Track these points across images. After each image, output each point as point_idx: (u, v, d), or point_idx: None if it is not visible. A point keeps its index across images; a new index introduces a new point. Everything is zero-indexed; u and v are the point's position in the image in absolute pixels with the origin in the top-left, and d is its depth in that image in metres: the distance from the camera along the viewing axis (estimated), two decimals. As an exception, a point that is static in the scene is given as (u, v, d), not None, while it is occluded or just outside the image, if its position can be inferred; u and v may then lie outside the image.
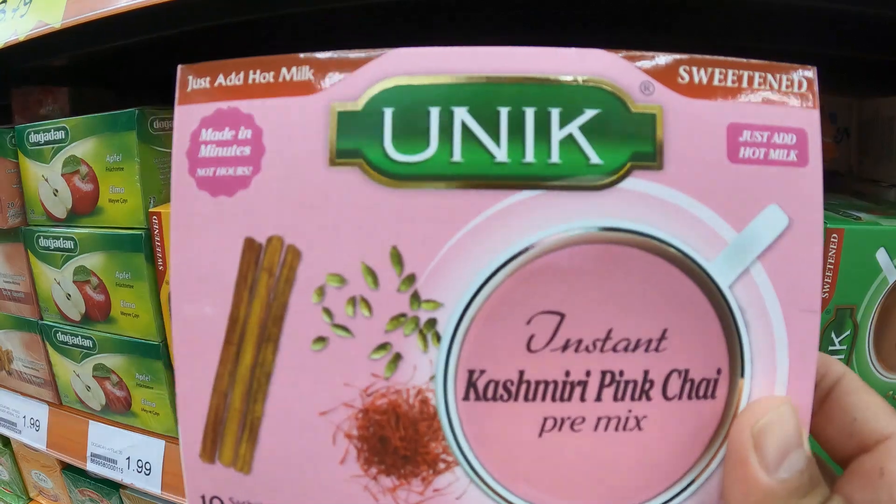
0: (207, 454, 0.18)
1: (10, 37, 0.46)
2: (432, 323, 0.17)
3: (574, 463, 0.17)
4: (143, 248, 0.42)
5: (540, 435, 0.17)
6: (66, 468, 0.61)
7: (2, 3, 0.48)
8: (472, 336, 0.17)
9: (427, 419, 0.18)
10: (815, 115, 0.17)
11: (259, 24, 0.45)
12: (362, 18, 0.47)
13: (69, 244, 0.46)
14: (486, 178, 0.17)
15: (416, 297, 0.17)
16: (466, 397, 0.17)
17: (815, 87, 0.17)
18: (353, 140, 0.17)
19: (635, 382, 0.17)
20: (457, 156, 0.17)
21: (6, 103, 0.67)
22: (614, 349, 0.17)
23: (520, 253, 0.17)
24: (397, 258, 0.17)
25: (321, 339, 0.18)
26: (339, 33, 0.54)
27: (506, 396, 0.17)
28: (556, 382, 0.17)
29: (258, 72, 0.18)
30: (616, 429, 0.17)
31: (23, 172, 0.48)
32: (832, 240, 0.31)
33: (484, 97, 0.17)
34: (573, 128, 0.17)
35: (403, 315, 0.17)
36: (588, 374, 0.17)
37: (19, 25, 0.45)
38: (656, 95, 0.17)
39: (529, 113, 0.17)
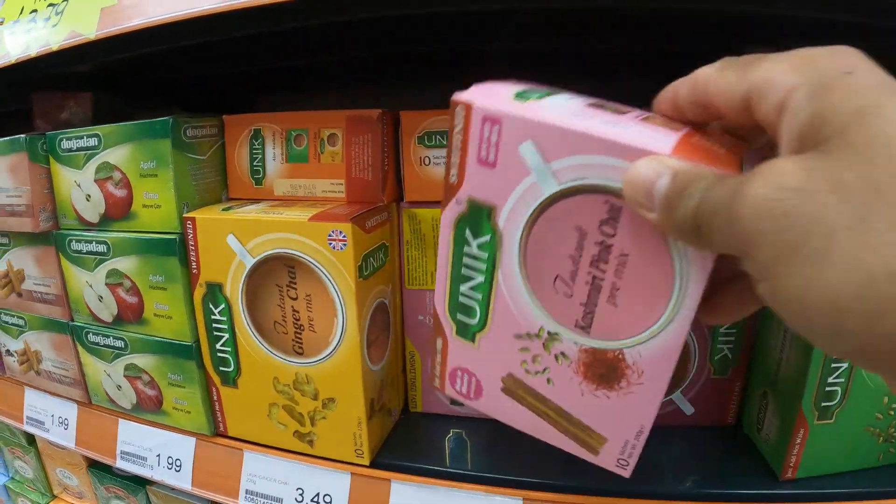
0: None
1: (41, 47, 0.47)
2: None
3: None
4: (178, 252, 0.43)
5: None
6: (92, 465, 0.63)
7: (31, 11, 0.49)
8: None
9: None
10: None
11: (268, 37, 0.46)
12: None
13: (102, 248, 0.47)
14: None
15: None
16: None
17: None
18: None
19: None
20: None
21: (26, 108, 0.68)
22: None
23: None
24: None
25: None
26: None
27: None
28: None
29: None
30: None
31: (54, 178, 0.49)
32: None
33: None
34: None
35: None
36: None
37: (52, 35, 0.46)
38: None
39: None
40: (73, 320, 0.52)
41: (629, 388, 0.28)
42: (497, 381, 0.31)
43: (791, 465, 0.36)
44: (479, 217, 0.28)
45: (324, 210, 0.40)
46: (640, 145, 0.22)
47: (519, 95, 0.27)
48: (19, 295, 0.55)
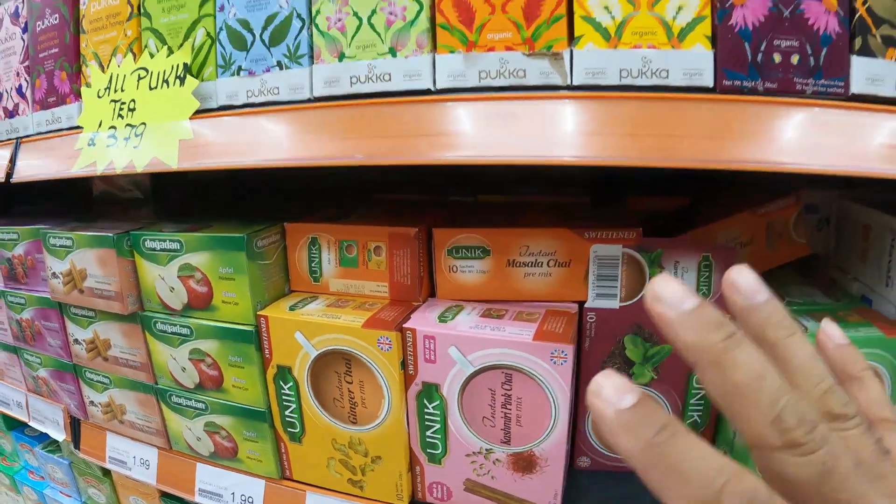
0: None
1: (126, 165, 0.55)
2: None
3: None
4: (254, 341, 0.54)
5: None
6: (165, 495, 0.74)
7: (110, 127, 0.58)
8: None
9: None
10: None
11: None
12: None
13: (185, 330, 0.57)
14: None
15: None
16: None
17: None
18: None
19: None
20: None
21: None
22: None
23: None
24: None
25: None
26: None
27: None
28: None
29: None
30: None
31: (139, 270, 0.59)
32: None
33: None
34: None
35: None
36: None
37: (136, 157, 0.55)
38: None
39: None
40: (157, 384, 0.62)
41: (542, 470, 0.48)
42: (460, 484, 0.51)
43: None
44: (430, 391, 0.48)
45: (373, 315, 0.50)
46: (513, 338, 0.45)
47: (440, 318, 0.49)
48: (105, 359, 0.65)
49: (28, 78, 0.67)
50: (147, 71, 0.55)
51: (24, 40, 0.67)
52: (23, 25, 0.67)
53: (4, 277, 0.73)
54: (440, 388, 0.48)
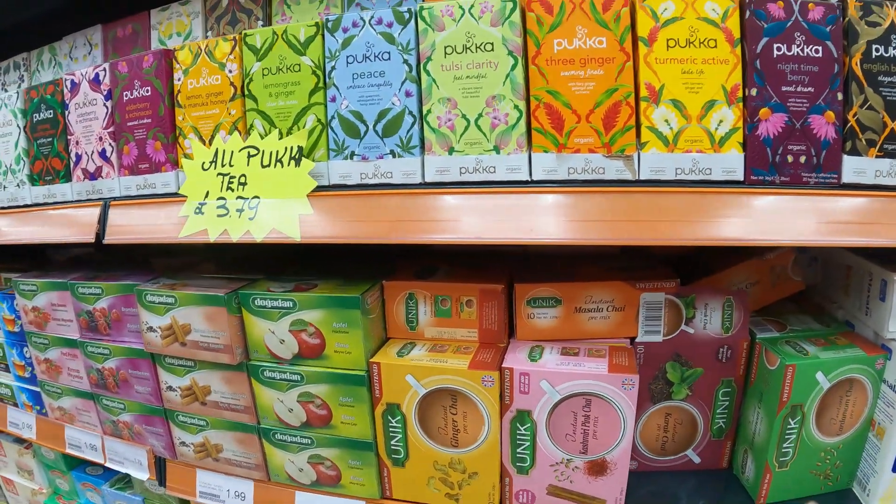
0: None
1: (242, 235, 0.62)
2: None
3: None
4: (365, 384, 0.62)
5: None
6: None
7: (218, 198, 0.64)
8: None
9: None
10: None
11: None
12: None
13: (296, 377, 0.65)
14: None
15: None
16: None
17: None
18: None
19: None
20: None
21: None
22: None
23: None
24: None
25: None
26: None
27: None
28: None
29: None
30: None
31: (247, 324, 0.66)
32: (788, 370, 0.58)
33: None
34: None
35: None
36: None
37: (253, 228, 0.61)
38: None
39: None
40: (259, 423, 0.69)
41: (612, 472, 0.60)
42: (543, 489, 0.63)
43: (762, 495, 0.63)
44: (523, 416, 0.60)
45: (473, 358, 0.61)
46: (592, 372, 0.58)
47: (530, 357, 0.61)
48: (203, 404, 0.71)
49: (113, 143, 0.71)
50: (258, 149, 0.62)
51: (107, 107, 0.71)
52: (105, 92, 0.71)
53: (84, 329, 0.76)
54: (531, 413, 0.60)
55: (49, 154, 0.76)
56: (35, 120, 0.77)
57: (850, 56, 0.51)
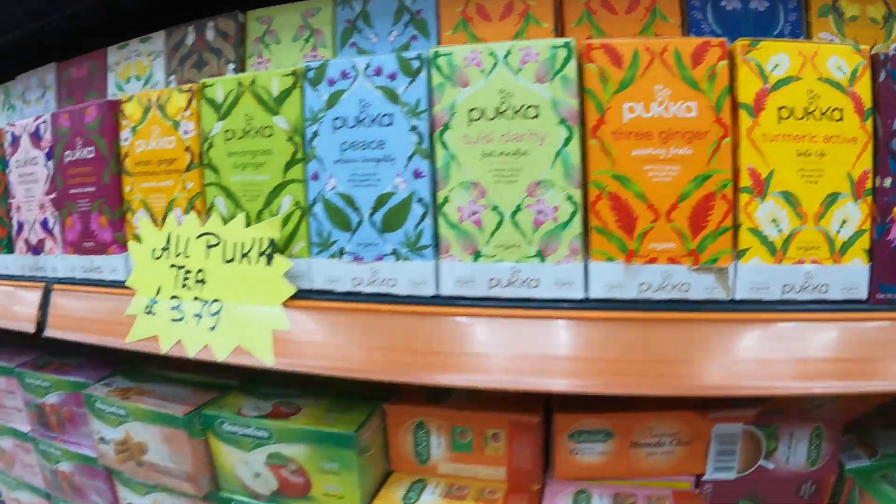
0: None
1: (200, 350, 0.47)
2: None
3: None
4: (361, 539, 0.49)
5: None
6: None
7: (172, 297, 0.49)
8: None
9: None
10: None
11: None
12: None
13: (275, 520, 0.51)
14: None
15: None
16: None
17: None
18: None
19: None
20: None
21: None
22: None
23: None
24: None
25: None
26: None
27: None
28: None
29: None
30: None
31: (214, 451, 0.52)
32: None
33: None
34: None
35: None
36: None
37: (214, 342, 0.46)
38: None
39: None
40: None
41: None
42: None
43: None
44: None
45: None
46: None
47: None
48: (168, 530, 0.59)
49: (56, 213, 0.57)
50: (218, 238, 0.47)
51: (48, 168, 0.57)
52: (46, 150, 0.57)
53: (34, 423, 0.64)
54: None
55: (-15, 219, 0.63)
56: (-33, 177, 0.63)
57: None
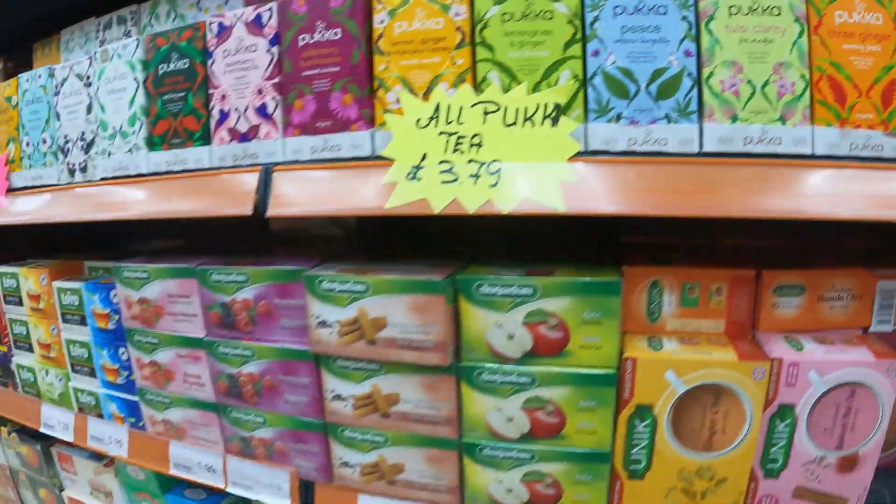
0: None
1: (482, 206, 0.51)
2: None
3: None
4: (614, 384, 0.54)
5: None
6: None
7: (441, 161, 0.52)
8: None
9: None
10: None
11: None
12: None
13: (525, 379, 0.55)
14: None
15: None
16: None
17: None
18: None
19: None
20: None
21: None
22: None
23: None
24: None
25: None
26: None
27: None
28: None
29: None
30: None
31: (464, 317, 0.55)
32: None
33: None
34: None
35: None
36: None
37: (496, 196, 0.51)
38: None
39: None
40: (462, 438, 0.57)
41: (860, 467, 0.56)
42: (789, 493, 0.57)
43: None
44: (784, 412, 0.55)
45: (740, 349, 0.55)
46: (860, 359, 0.53)
47: (796, 347, 0.56)
48: (385, 416, 0.58)
49: (278, 97, 0.57)
50: (497, 105, 0.52)
51: (272, 54, 0.57)
52: (271, 36, 0.57)
53: (214, 325, 0.59)
54: (794, 408, 0.55)
55: (180, 112, 0.60)
56: (161, 72, 0.61)
57: None
